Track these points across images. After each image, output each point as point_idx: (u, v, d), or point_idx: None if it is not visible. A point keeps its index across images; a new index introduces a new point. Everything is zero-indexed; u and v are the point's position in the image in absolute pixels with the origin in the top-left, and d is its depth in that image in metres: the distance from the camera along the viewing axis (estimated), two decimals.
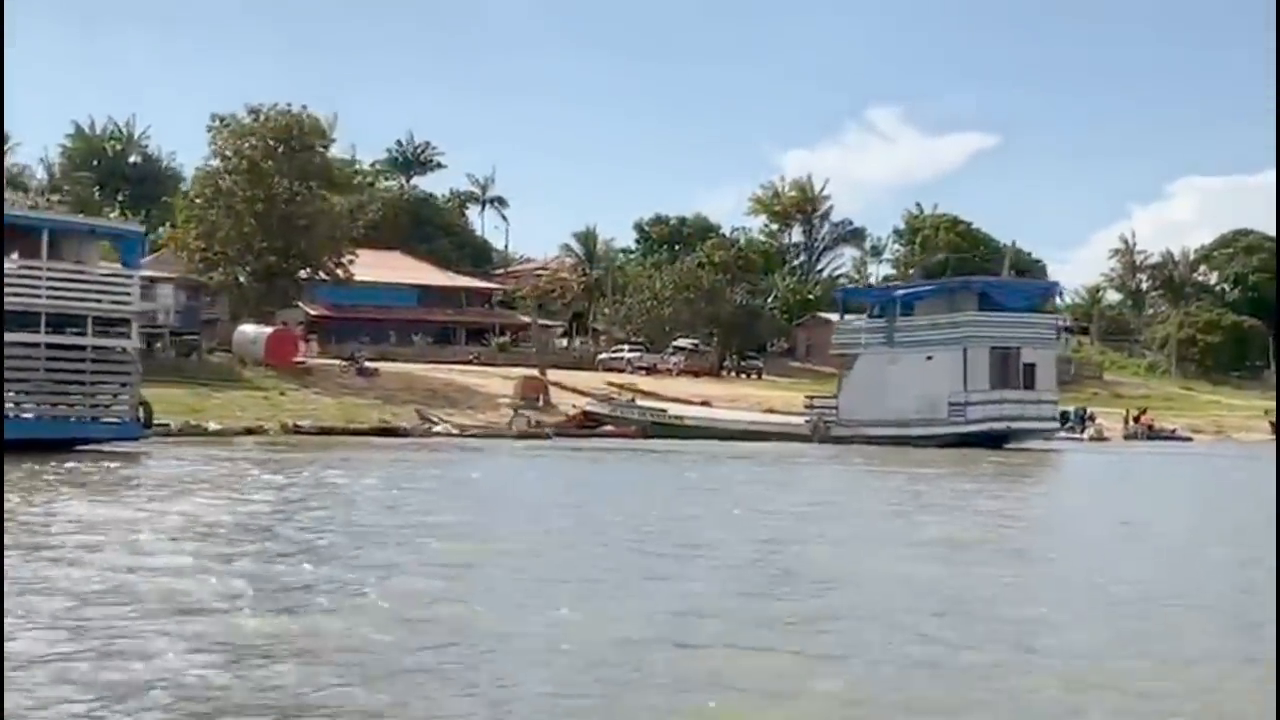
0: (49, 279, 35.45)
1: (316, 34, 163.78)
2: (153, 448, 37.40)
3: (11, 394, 34.22)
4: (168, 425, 43.87)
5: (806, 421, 54.43)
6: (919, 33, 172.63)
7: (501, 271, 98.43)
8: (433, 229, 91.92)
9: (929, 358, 51.31)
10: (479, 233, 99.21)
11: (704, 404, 58.82)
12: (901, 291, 58.87)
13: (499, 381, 61.81)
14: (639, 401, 56.37)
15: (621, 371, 75.30)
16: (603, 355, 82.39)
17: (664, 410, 54.89)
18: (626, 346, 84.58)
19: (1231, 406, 78.67)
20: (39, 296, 35.08)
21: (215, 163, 70.84)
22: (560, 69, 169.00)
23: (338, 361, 66.45)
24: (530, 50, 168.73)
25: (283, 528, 20.32)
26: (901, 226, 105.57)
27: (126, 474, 29.88)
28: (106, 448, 35.37)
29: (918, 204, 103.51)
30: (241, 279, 69.60)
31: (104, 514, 20.81)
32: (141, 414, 37.65)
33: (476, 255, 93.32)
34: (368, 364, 65.49)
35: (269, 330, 64.86)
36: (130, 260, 39.16)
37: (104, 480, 28.03)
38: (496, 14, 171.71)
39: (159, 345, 60.56)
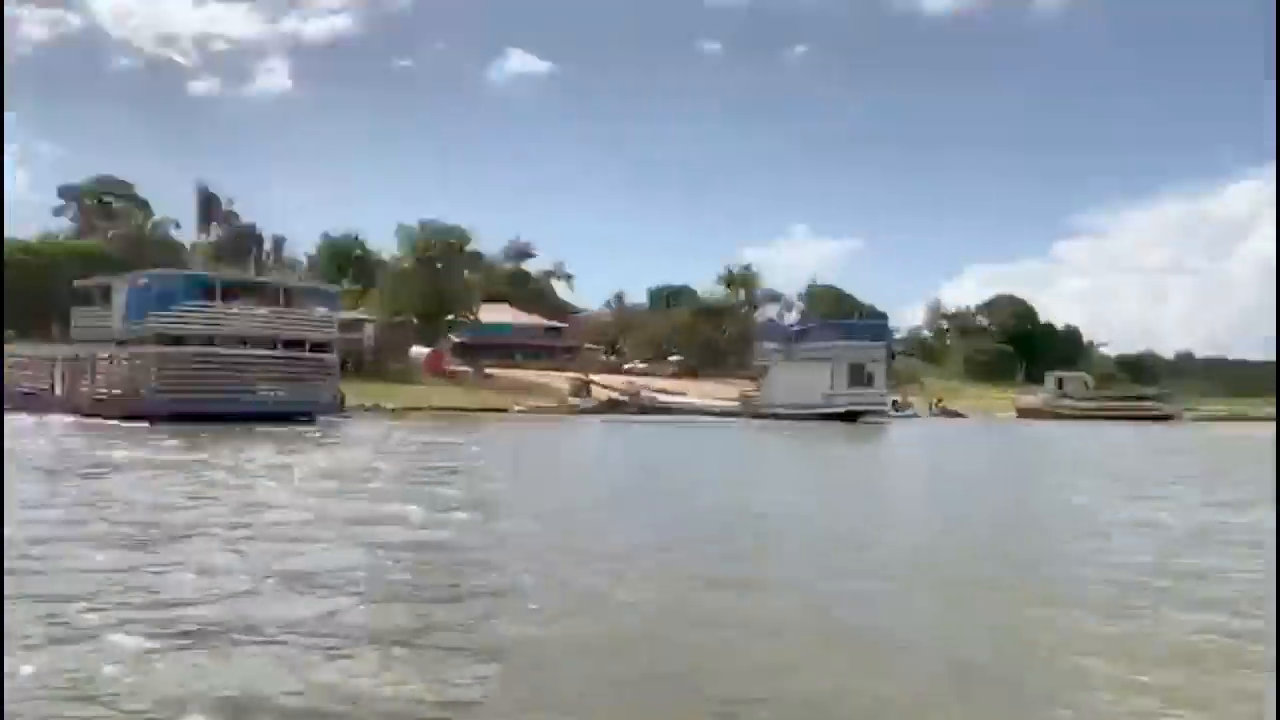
0: (283, 318, 35.12)
1: (459, 174, 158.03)
2: (350, 419, 37.19)
3: (264, 385, 34.16)
4: (362, 404, 43.68)
5: (742, 405, 54.23)
6: (819, 180, 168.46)
7: (570, 315, 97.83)
8: (527, 291, 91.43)
9: (813, 368, 51.02)
10: (556, 294, 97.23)
11: (682, 394, 57.94)
12: (797, 329, 59.50)
13: (561, 381, 60.46)
14: (644, 392, 55.27)
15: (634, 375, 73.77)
16: (626, 365, 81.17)
17: (656, 397, 54.18)
18: (638, 361, 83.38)
19: (993, 398, 77.81)
20: (279, 329, 34.76)
21: (398, 253, 71.49)
22: (607, 204, 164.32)
23: (469, 369, 65.26)
24: (583, 190, 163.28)
25: (422, 461, 20.06)
26: (803, 292, 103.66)
27: (330, 434, 29.41)
28: (325, 422, 34.65)
29: (811, 283, 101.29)
30: (414, 320, 68.96)
31: (316, 455, 20.97)
32: (336, 399, 37.30)
33: (554, 308, 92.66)
34: (487, 371, 64.77)
35: (427, 350, 64.81)
36: (332, 308, 38.63)
37: (320, 437, 27.83)
38: (569, 163, 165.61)
39: (365, 359, 60.18)
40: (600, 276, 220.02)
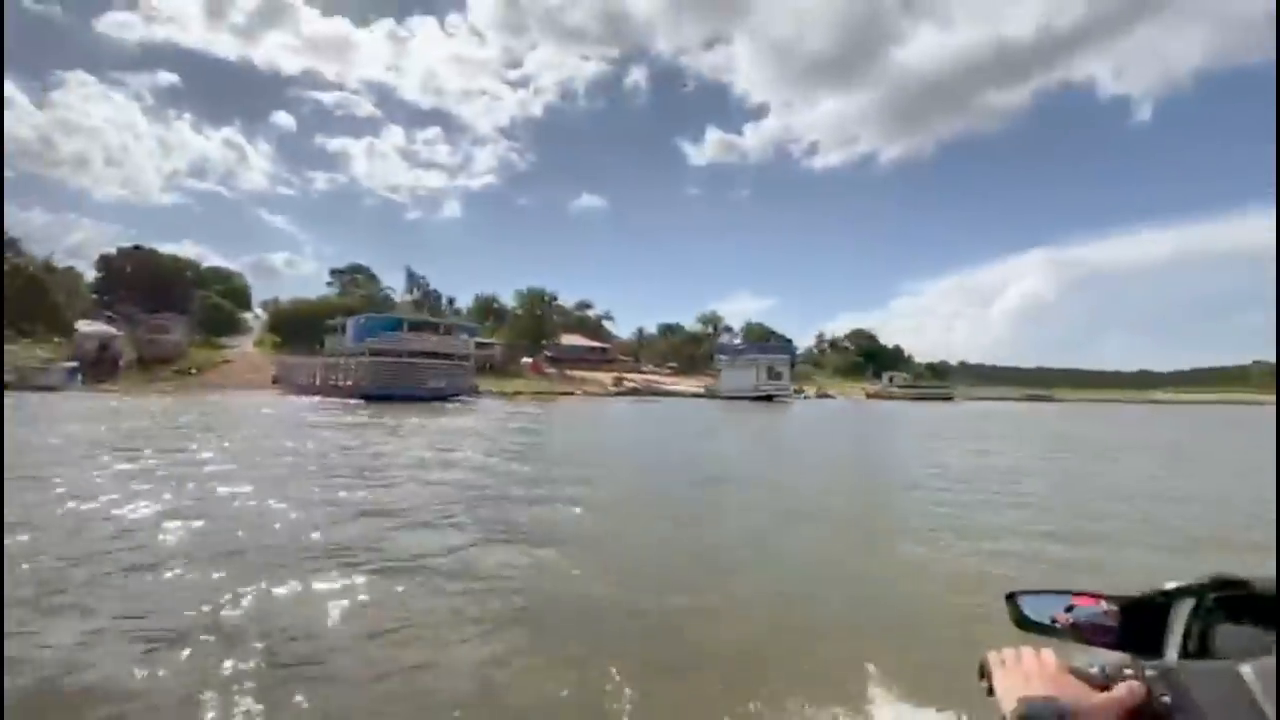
0: (441, 344, 34.23)
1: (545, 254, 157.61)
2: (480, 399, 35.97)
3: (430, 379, 33.15)
4: (491, 390, 42.55)
5: (706, 391, 52.11)
6: (755, 264, 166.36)
7: (611, 340, 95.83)
8: (591, 325, 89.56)
9: (747, 370, 49.35)
10: (605, 328, 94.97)
11: (674, 385, 56.46)
12: (738, 347, 57.53)
13: (606, 377, 58.91)
14: (651, 384, 53.96)
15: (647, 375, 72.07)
16: (644, 369, 79.12)
17: (657, 386, 52.86)
18: (650, 366, 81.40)
19: (850, 387, 75.46)
20: (438, 348, 33.89)
21: (515, 305, 70.26)
22: (635, 277, 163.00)
23: (554, 371, 63.49)
24: (623, 269, 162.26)
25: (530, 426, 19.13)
26: (744, 328, 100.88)
27: (465, 407, 28.30)
28: (464, 400, 33.88)
29: (749, 321, 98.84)
30: (524, 343, 67.59)
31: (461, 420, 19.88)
32: (473, 387, 36.28)
33: (601, 335, 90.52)
34: (564, 373, 63.05)
35: (530, 360, 62.75)
36: (471, 335, 37.66)
37: (458, 409, 26.63)
38: (614, 254, 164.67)
39: (495, 365, 59.12)
40: (631, 317, 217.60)
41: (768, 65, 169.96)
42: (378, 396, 29.41)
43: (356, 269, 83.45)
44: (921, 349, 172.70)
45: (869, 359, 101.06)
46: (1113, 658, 0.76)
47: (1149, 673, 0.68)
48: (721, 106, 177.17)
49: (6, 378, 31.84)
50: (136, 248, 64.14)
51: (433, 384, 33.17)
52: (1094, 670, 0.71)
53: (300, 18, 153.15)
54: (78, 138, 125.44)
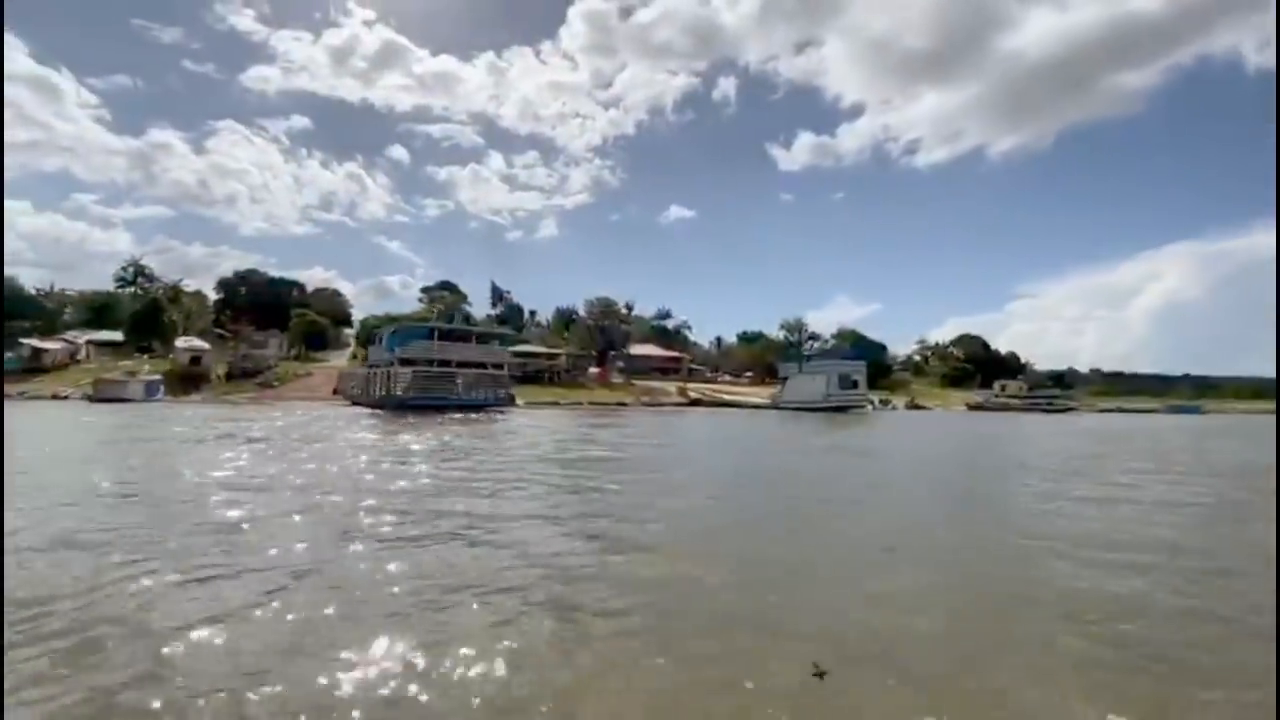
0: (475, 353, 32.76)
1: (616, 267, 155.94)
2: (513, 409, 34.14)
3: (462, 389, 31.69)
4: (544, 400, 40.67)
5: (771, 401, 47.82)
6: (855, 268, 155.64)
7: (688, 348, 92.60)
8: (668, 336, 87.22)
9: (814, 377, 44.46)
10: (683, 338, 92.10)
11: (736, 394, 52.44)
12: (807, 355, 52.23)
13: (672, 387, 56.01)
14: (710, 395, 50.45)
15: (719, 384, 67.78)
16: (721, 378, 75.29)
17: (719, 396, 49.14)
18: (727, 375, 77.55)
19: (953, 398, 67.03)
20: (473, 356, 32.35)
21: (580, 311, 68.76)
22: (725, 286, 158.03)
23: (623, 380, 61.43)
24: (712, 279, 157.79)
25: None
26: (835, 334, 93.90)
27: (504, 418, 26.42)
28: (498, 410, 32.12)
29: (841, 328, 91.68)
30: (591, 352, 66.15)
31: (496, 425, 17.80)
32: (509, 397, 34.50)
33: (677, 344, 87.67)
34: (633, 381, 60.81)
35: (596, 370, 61.38)
36: (505, 345, 35.93)
37: (493, 418, 24.74)
38: (704, 265, 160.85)
39: (561, 374, 57.91)
40: (721, 327, 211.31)
41: (863, 63, 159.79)
42: (410, 406, 28.23)
43: (444, 285, 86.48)
44: (1044, 356, 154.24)
45: (978, 367, 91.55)
46: None
47: None
48: (813, 110, 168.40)
49: (90, 391, 33.87)
50: (251, 271, 69.66)
51: (465, 393, 31.69)
52: None
53: (411, 58, 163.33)
54: (229, 180, 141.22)
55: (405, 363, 30.46)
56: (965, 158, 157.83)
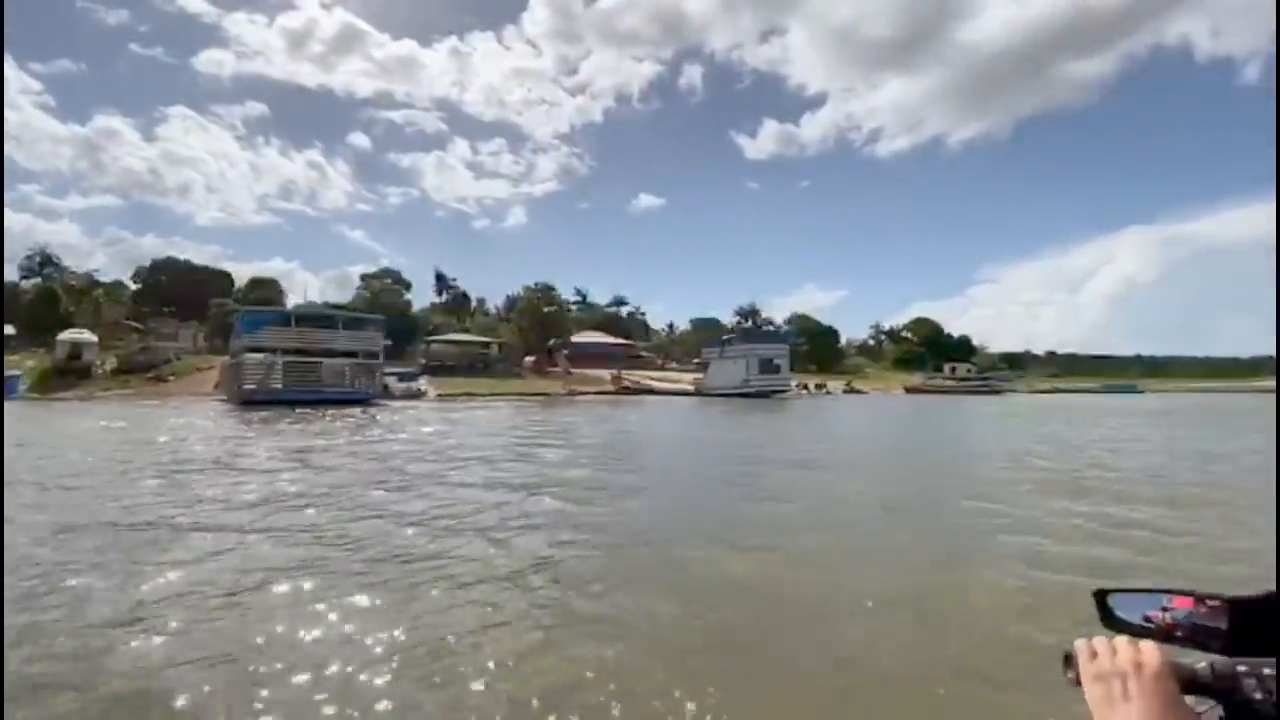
0: (343, 341, 29.79)
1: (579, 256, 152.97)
2: (388, 403, 31.31)
3: (331, 380, 28.81)
4: (455, 392, 38.03)
5: (694, 388, 46.07)
6: (821, 256, 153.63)
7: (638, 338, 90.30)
8: (617, 324, 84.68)
9: (734, 362, 42.37)
10: (630, 326, 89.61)
11: (668, 381, 50.07)
12: (726, 337, 49.88)
13: (610, 376, 53.24)
14: (641, 382, 48.02)
15: (669, 372, 65.24)
16: (667, 367, 72.82)
17: (648, 385, 47.01)
18: (675, 363, 75.20)
19: (897, 380, 65.16)
20: (340, 344, 29.35)
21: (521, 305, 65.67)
22: (693, 273, 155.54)
23: (563, 369, 58.65)
24: (679, 266, 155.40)
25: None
26: (791, 319, 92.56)
27: (378, 413, 23.64)
28: (372, 403, 29.34)
29: (795, 314, 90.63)
30: (531, 341, 63.33)
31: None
32: (379, 389, 31.61)
33: (631, 333, 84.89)
34: (569, 370, 58.05)
35: (532, 359, 58.85)
36: (378, 330, 32.76)
37: (333, 418, 21.87)
38: (672, 251, 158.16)
39: (493, 365, 55.19)
40: (689, 313, 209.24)
41: (826, 52, 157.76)
42: (265, 401, 25.21)
43: (387, 273, 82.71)
44: (1004, 338, 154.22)
45: (933, 350, 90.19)
46: (1222, 658, 0.69)
47: (1266, 671, 0.63)
48: (777, 99, 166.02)
49: None
50: (169, 260, 65.54)
51: (333, 386, 28.77)
52: (1200, 667, 0.66)
53: (371, 43, 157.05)
54: (182, 168, 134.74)
55: (254, 351, 27.37)
56: (926, 146, 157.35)
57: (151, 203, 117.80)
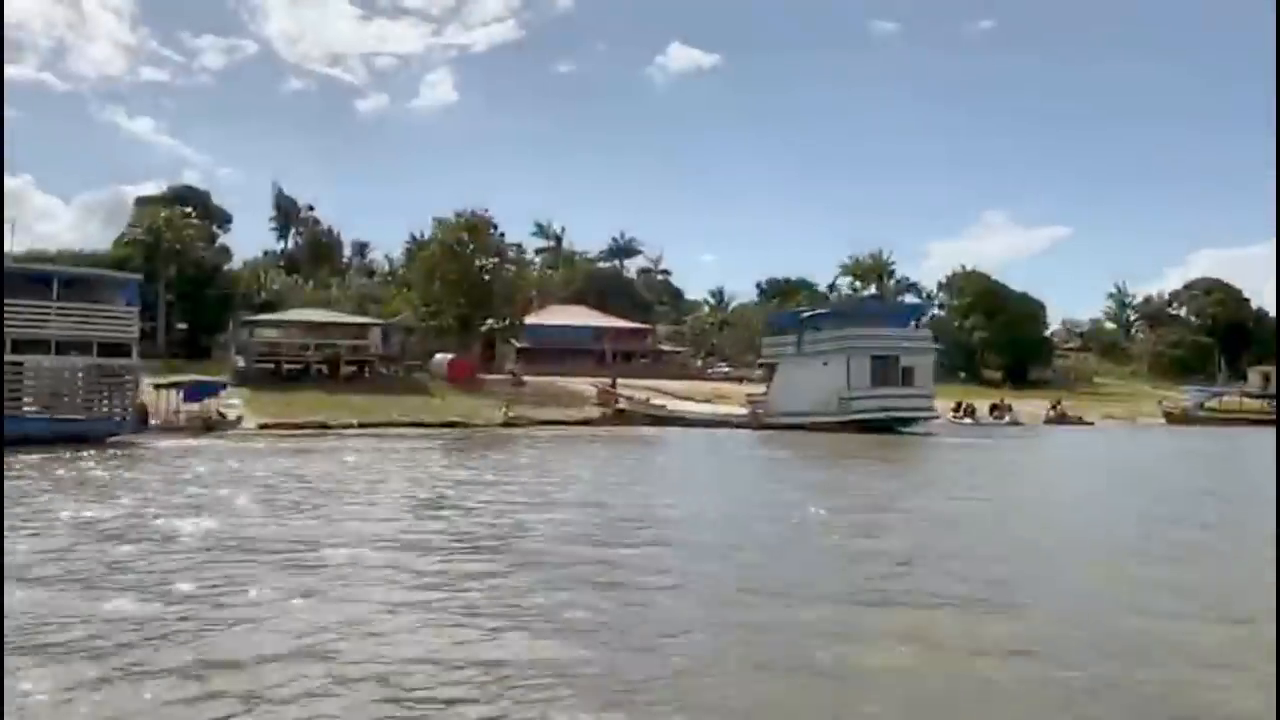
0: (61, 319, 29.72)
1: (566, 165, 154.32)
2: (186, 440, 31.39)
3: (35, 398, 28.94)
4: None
5: (748, 413, 46.19)
6: (1021, 151, 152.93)
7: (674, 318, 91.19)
8: (618, 289, 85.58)
9: (825, 364, 41.97)
10: (646, 295, 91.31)
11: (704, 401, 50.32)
12: (807, 314, 49.37)
13: (598, 389, 54.28)
14: (652, 401, 49.23)
15: (715, 380, 67.23)
16: (710, 370, 74.15)
17: (663, 406, 47.99)
18: (724, 363, 76.04)
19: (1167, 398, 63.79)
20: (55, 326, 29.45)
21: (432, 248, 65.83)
22: (764, 199, 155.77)
23: (511, 376, 60.05)
24: (742, 186, 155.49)
25: None
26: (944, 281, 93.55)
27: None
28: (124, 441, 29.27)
29: (961, 265, 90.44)
30: (449, 323, 64.52)
31: None
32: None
33: (644, 308, 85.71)
34: (522, 378, 59.42)
35: (450, 357, 59.43)
36: (130, 300, 32.46)
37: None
38: (727, 159, 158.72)
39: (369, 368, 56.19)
40: (752, 266, 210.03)
41: None
42: None
43: (184, 192, 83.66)
44: None
45: (1227, 340, 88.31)
46: None
47: None
48: None
49: None
50: None
51: (39, 408, 28.93)
52: None
53: None
54: None
55: None
56: None
57: None
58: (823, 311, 50.49)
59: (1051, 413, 55.28)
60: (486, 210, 64.89)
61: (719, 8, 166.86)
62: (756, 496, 20.15)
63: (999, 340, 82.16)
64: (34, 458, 23.81)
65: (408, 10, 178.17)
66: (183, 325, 67.80)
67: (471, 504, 16.94)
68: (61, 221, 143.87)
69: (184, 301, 66.62)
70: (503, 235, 66.24)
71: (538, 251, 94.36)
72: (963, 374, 79.41)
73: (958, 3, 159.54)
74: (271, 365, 54.65)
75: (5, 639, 7.15)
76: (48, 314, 28.92)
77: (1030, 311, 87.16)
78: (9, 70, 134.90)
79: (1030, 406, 57.65)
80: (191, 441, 32.11)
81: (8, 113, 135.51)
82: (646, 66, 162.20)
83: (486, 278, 63.88)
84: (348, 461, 25.98)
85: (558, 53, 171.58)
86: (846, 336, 42.31)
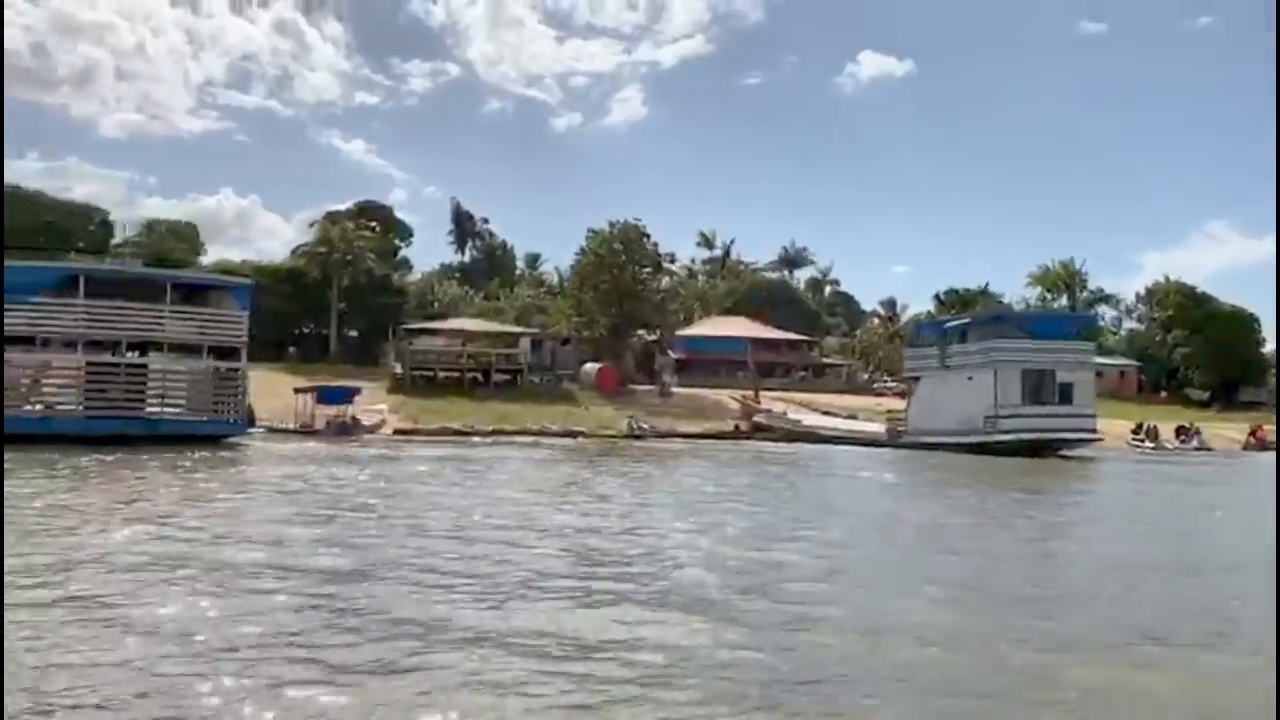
0: (178, 324, 30.45)
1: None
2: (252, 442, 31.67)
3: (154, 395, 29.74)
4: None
5: (886, 430, 43.36)
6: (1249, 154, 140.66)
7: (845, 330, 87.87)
8: (782, 299, 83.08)
9: (969, 378, 38.85)
10: (814, 306, 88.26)
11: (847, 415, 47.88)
12: (951, 324, 45.48)
13: (739, 401, 53.46)
14: (788, 414, 47.69)
15: (882, 395, 64.21)
16: (877, 385, 70.93)
17: (798, 421, 46.03)
18: (891, 377, 72.46)
19: None
20: (172, 329, 30.16)
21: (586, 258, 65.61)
22: (956, 208, 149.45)
23: (659, 386, 59.52)
24: (936, 192, 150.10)
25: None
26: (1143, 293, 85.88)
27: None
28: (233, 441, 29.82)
29: (1164, 275, 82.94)
30: (600, 333, 63.94)
31: None
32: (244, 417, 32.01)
33: (811, 319, 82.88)
34: (670, 389, 58.96)
35: (599, 366, 59.40)
36: (245, 304, 32.68)
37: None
38: (916, 167, 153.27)
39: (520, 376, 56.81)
40: (934, 276, 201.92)
41: None
42: (35, 436, 26.37)
43: (367, 210, 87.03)
44: None
45: None
46: None
47: None
48: None
49: None
50: (12, 190, 73.56)
51: (171, 408, 29.70)
52: None
53: None
54: (80, 41, 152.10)
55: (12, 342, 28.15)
56: None
57: (37, 102, 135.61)
58: (967, 320, 46.50)
59: (1251, 439, 49.38)
60: (640, 219, 64.06)
61: (913, 14, 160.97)
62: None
63: (1204, 357, 74.66)
64: (168, 455, 24.43)
65: (601, 30, 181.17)
66: (353, 333, 70.24)
67: (451, 524, 15.37)
68: (282, 238, 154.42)
69: (355, 310, 68.81)
70: (656, 245, 64.87)
71: (704, 262, 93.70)
72: (1163, 392, 73.78)
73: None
74: (430, 373, 55.80)
75: None
76: (161, 317, 29.61)
77: (1242, 326, 79.86)
78: (241, 98, 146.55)
79: (1233, 431, 52.73)
80: (311, 445, 32.52)
81: (238, 138, 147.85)
82: (837, 76, 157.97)
83: (639, 287, 63.19)
84: (420, 471, 25.05)
85: (747, 65, 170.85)
86: (994, 348, 38.64)
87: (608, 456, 32.10)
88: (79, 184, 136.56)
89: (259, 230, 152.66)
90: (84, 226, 74.88)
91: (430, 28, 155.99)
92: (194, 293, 31.80)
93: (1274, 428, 50.54)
